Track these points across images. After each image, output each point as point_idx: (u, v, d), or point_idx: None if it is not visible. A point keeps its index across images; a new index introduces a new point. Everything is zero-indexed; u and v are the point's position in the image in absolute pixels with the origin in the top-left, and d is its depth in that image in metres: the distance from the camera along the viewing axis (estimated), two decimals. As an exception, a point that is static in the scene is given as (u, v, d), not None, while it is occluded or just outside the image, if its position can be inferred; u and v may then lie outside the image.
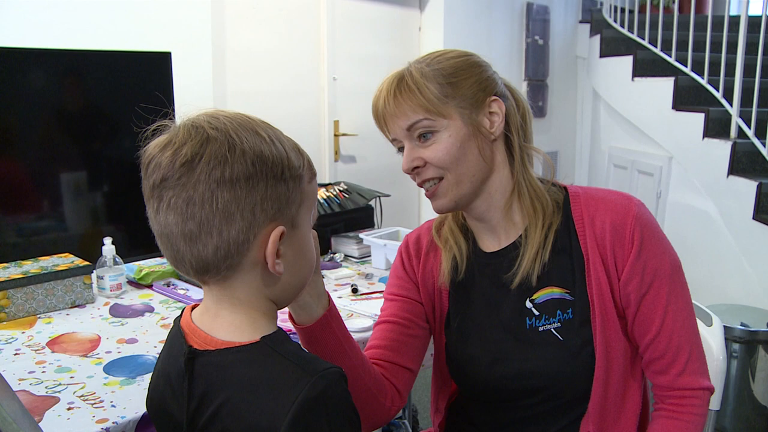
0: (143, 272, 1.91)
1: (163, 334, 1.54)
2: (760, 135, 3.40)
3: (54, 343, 1.48)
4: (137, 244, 2.26)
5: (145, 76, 2.40)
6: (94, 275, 1.82)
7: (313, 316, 1.03)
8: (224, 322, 0.81)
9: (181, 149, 0.74)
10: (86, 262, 1.78)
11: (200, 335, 0.81)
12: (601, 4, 5.25)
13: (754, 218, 3.21)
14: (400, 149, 1.13)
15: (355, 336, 1.53)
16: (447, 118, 1.07)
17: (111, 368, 1.35)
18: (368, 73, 4.00)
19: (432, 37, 4.33)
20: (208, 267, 0.77)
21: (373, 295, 1.83)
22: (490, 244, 1.19)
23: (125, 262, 1.90)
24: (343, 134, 3.86)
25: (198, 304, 0.88)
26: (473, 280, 1.19)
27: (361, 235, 2.20)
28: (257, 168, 0.75)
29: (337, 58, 3.75)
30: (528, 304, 1.13)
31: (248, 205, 0.75)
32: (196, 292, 1.80)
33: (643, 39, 4.37)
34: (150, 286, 1.90)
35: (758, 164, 3.40)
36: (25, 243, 2.10)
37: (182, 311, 0.89)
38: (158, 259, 2.07)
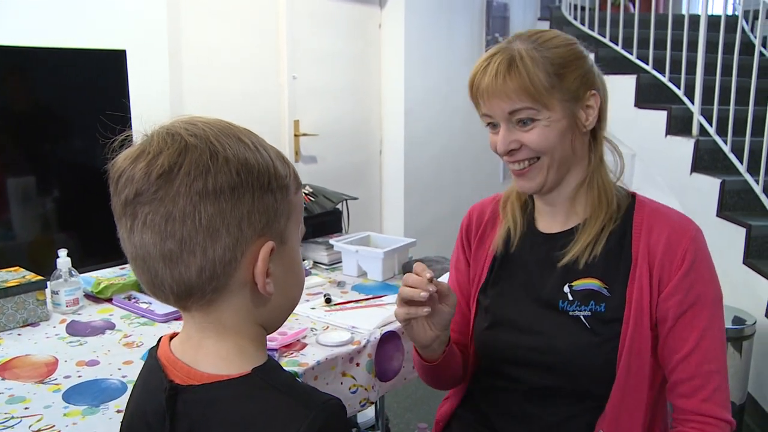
0: (102, 285, 1.78)
1: (127, 354, 1.43)
2: (721, 132, 3.43)
3: (4, 369, 1.36)
4: (92, 252, 2.13)
5: (99, 75, 2.27)
6: (48, 290, 1.69)
7: (438, 353, 1.19)
8: (209, 352, 0.72)
9: (157, 159, 0.66)
10: (39, 276, 1.66)
11: (182, 368, 0.73)
12: (560, 1, 5.25)
13: (717, 215, 3.23)
14: (490, 124, 1.16)
15: (334, 351, 1.46)
16: (549, 110, 1.09)
17: (71, 396, 1.24)
18: (328, 72, 3.91)
19: (392, 34, 4.26)
20: (191, 291, 0.68)
21: (348, 305, 1.75)
22: (548, 225, 1.23)
23: (80, 273, 1.77)
24: (304, 134, 3.75)
25: (176, 334, 0.79)
26: (521, 255, 1.25)
27: (331, 241, 2.11)
28: (242, 178, 0.67)
29: (296, 55, 3.65)
30: (566, 289, 1.17)
31: (234, 219, 0.67)
32: (160, 306, 1.69)
33: (604, 36, 4.38)
34: (110, 300, 1.78)
35: (720, 161, 3.43)
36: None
37: (158, 341, 0.80)
38: (117, 270, 1.95)
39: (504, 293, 1.25)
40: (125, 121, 2.30)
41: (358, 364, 1.52)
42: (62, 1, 2.53)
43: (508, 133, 1.12)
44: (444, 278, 1.86)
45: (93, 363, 1.39)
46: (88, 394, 1.25)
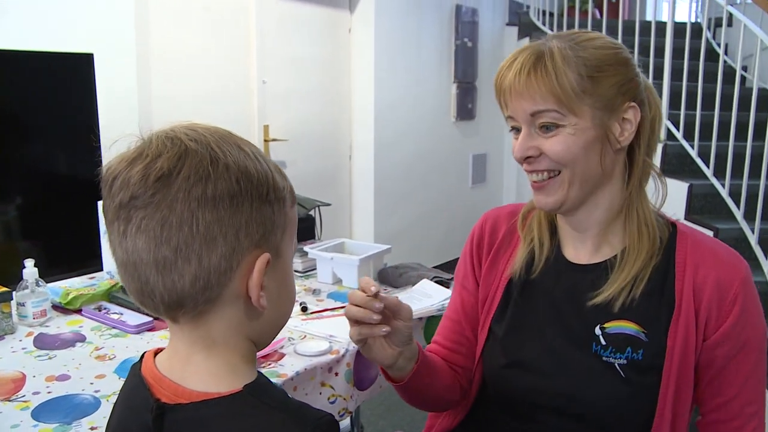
0: (71, 296, 1.73)
1: (100, 368, 1.39)
2: (688, 137, 3.48)
3: (-30, 385, 1.31)
4: (59, 261, 2.08)
5: (66, 79, 2.21)
6: (13, 302, 1.63)
7: (407, 372, 1.07)
8: (198, 369, 0.69)
9: (155, 162, 0.64)
10: (3, 288, 1.60)
11: (169, 386, 0.69)
12: (528, 7, 5.29)
13: (685, 218, 3.28)
14: (513, 128, 1.04)
15: (313, 361, 1.44)
16: (577, 116, 0.97)
17: (41, 413, 1.19)
18: (298, 76, 3.88)
19: (362, 38, 4.25)
20: (183, 301, 0.66)
21: (325, 314, 1.72)
22: (576, 254, 1.10)
23: (47, 283, 1.72)
24: (274, 139, 3.72)
25: (161, 349, 0.76)
26: (545, 283, 1.11)
27: (305, 248, 2.09)
28: (242, 186, 0.65)
29: (266, 60, 3.61)
30: (597, 331, 1.04)
31: (232, 228, 0.65)
32: (131, 317, 1.64)
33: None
34: (79, 311, 1.73)
35: (687, 165, 3.48)
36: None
37: (141, 357, 0.76)
38: (87, 280, 1.90)
39: (524, 326, 1.11)
40: (93, 126, 2.27)
41: (336, 374, 1.49)
42: (28, 4, 2.46)
43: (528, 138, 1.00)
44: (428, 287, 1.85)
45: (63, 378, 1.34)
46: (60, 411, 1.20)
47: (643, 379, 1.01)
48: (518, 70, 0.98)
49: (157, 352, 0.75)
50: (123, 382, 0.80)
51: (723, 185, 3.22)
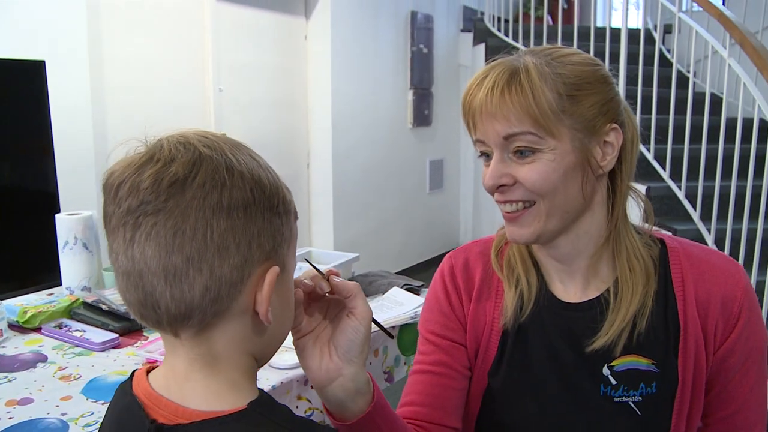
0: (29, 314, 1.65)
1: (65, 389, 1.32)
2: (644, 141, 3.54)
3: (-74, 411, 1.23)
4: (13, 277, 1.99)
5: (16, 88, 2.13)
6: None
7: (354, 413, 0.83)
8: (198, 386, 0.66)
9: (169, 167, 0.61)
10: (-42, 307, 1.52)
11: (167, 406, 0.65)
12: (482, 13, 5.34)
13: (643, 220, 3.32)
14: (483, 153, 0.93)
15: (288, 374, 1.40)
16: (555, 138, 0.87)
17: (6, 438, 1.13)
18: (255, 84, 3.83)
19: (318, 45, 4.22)
20: (191, 312, 0.62)
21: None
22: (565, 291, 1.00)
23: (1, 301, 1.63)
24: (232, 148, 3.65)
25: (153, 366, 0.72)
26: (538, 327, 1.00)
27: (273, 259, 2.04)
28: (255, 196, 0.63)
29: (222, 68, 3.55)
30: (605, 371, 0.95)
31: (245, 238, 0.63)
32: (95, 334, 1.57)
33: (528, 47, 4.46)
34: (38, 330, 1.65)
35: (643, 168, 3.54)
36: None
37: (131, 376, 0.72)
38: (45, 296, 1.82)
39: (522, 380, 1.00)
40: (46, 137, 2.19)
41: (312, 386, 1.45)
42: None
43: (501, 164, 0.90)
44: (399, 295, 1.81)
45: (26, 401, 1.27)
46: (25, 436, 1.14)
47: (659, 413, 0.96)
48: (490, 89, 0.87)
49: (149, 369, 0.71)
50: (109, 403, 0.75)
51: (679, 187, 3.28)
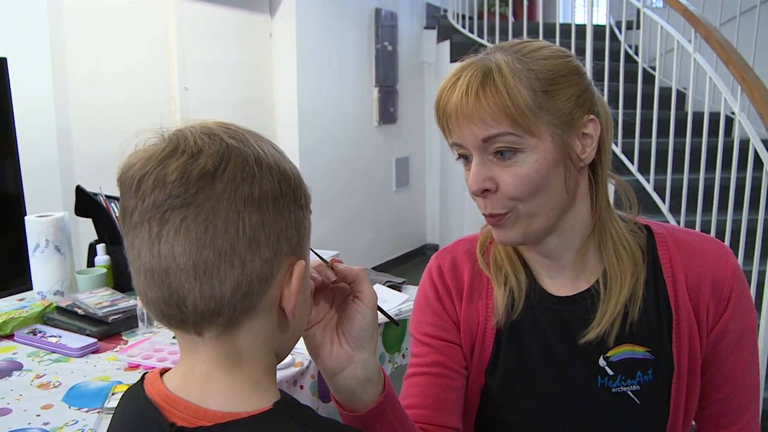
0: (0, 320, 1.58)
1: (45, 397, 1.26)
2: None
3: None
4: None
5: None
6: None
7: (364, 403, 0.81)
8: (219, 386, 0.63)
9: (197, 159, 0.58)
10: (-75, 315, 1.45)
11: (186, 408, 0.62)
12: (445, 11, 5.34)
13: (628, 209, 3.36)
14: (461, 156, 0.90)
15: (277, 375, 1.36)
16: (536, 136, 0.84)
17: (-13, 451, 1.07)
18: (220, 82, 3.77)
19: (283, 43, 4.17)
20: (220, 309, 0.60)
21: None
22: (554, 285, 0.98)
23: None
24: (198, 147, 3.58)
25: (166, 369, 0.68)
26: (531, 323, 0.98)
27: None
28: (282, 188, 0.62)
29: (187, 66, 3.48)
30: (601, 362, 0.94)
31: (274, 231, 0.61)
32: (71, 339, 1.51)
33: (493, 44, 4.47)
34: (10, 337, 1.58)
35: (612, 162, 3.57)
36: None
37: (142, 378, 0.68)
38: (15, 302, 1.74)
39: (519, 377, 0.99)
40: (9, 135, 2.11)
41: (302, 387, 1.43)
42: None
43: (483, 167, 0.87)
44: (382, 292, 1.79)
45: (4, 412, 1.21)
46: (7, 447, 1.08)
47: (657, 400, 0.95)
48: (464, 91, 0.85)
49: (162, 372, 0.68)
50: (115, 410, 0.71)
51: (648, 180, 3.32)
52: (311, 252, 0.86)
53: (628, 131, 3.47)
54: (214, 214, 0.58)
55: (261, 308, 0.63)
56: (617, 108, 3.48)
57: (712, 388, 0.98)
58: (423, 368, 1.00)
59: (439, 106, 0.88)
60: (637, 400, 0.94)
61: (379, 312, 0.84)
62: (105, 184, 2.59)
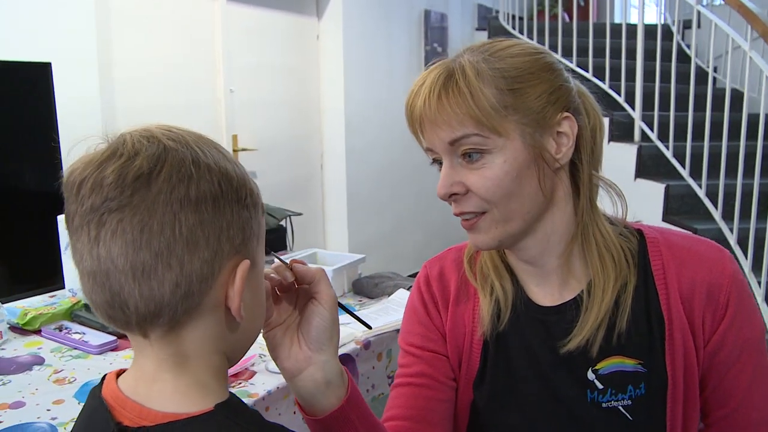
0: (29, 316, 1.63)
1: (58, 392, 1.29)
2: (662, 138, 3.46)
3: None
4: (15, 279, 1.98)
5: (23, 90, 2.12)
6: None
7: (324, 407, 0.79)
8: (165, 387, 0.63)
9: (133, 161, 0.59)
10: (-44, 310, 1.50)
11: (132, 408, 0.63)
12: (497, 12, 5.28)
13: (663, 220, 3.26)
14: (435, 161, 0.88)
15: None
16: (503, 136, 0.82)
17: (-6, 443, 1.10)
18: (267, 85, 3.81)
19: (331, 45, 4.18)
20: (160, 310, 0.60)
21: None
22: (541, 294, 0.94)
23: (3, 304, 1.62)
24: (243, 149, 3.63)
25: (123, 370, 0.69)
26: (517, 334, 0.94)
27: (276, 260, 2.00)
28: (223, 188, 0.62)
29: (233, 68, 3.53)
30: (590, 375, 0.90)
31: (214, 232, 0.61)
32: (94, 336, 1.55)
33: (543, 45, 4.39)
34: (38, 332, 1.63)
35: (663, 166, 3.46)
36: None
37: (102, 379, 0.69)
38: (46, 299, 1.80)
39: (505, 391, 0.95)
40: (53, 138, 2.17)
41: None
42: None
43: (452, 170, 0.85)
44: (405, 297, 1.77)
45: (18, 405, 1.25)
46: (12, 441, 1.11)
47: (651, 416, 0.90)
48: (427, 95, 0.83)
49: (119, 373, 0.68)
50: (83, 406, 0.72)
51: (700, 185, 3.20)
52: (273, 254, 0.86)
53: (680, 134, 3.35)
54: (149, 215, 0.58)
55: (204, 309, 0.62)
56: (668, 110, 3.37)
57: (714, 404, 0.92)
58: (408, 378, 0.98)
59: (408, 111, 0.87)
60: (629, 415, 0.89)
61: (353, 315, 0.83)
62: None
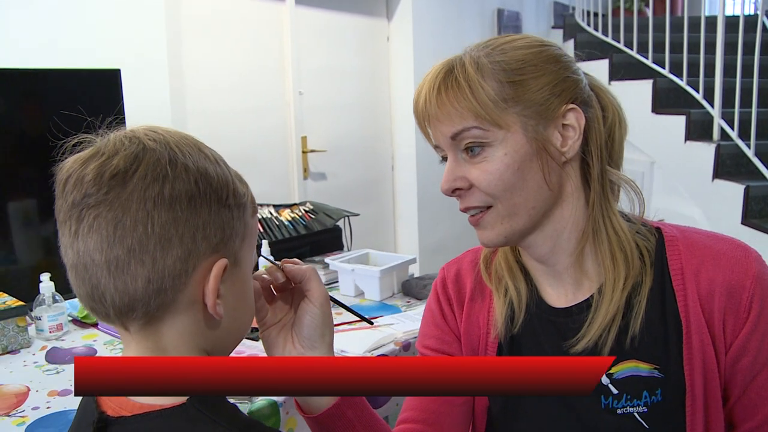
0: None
1: (102, 383, 1.36)
2: (744, 136, 3.29)
3: (-25, 400, 1.30)
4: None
5: (94, 96, 2.23)
6: (34, 315, 1.64)
7: (320, 405, 0.81)
8: None
9: (111, 160, 0.63)
10: (19, 302, 1.60)
11: (116, 398, 0.67)
12: (573, 8, 5.16)
13: (742, 223, 3.09)
14: (444, 159, 0.88)
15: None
16: (504, 129, 0.81)
17: (35, 429, 1.17)
18: (336, 86, 3.85)
19: (401, 46, 4.19)
20: (134, 305, 0.63)
21: (339, 327, 1.66)
22: (555, 295, 0.93)
23: (66, 299, 1.71)
24: (312, 150, 3.70)
25: None
26: (531, 336, 0.93)
27: (327, 260, 2.03)
28: (200, 188, 0.64)
29: (302, 71, 3.60)
30: (604, 380, 0.87)
31: (189, 230, 0.63)
32: (144, 331, 1.62)
33: (618, 42, 4.27)
34: (95, 325, 1.72)
35: (743, 166, 3.29)
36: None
37: None
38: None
39: (518, 397, 0.93)
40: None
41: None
42: (58, 21, 2.50)
43: (455, 165, 0.85)
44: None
45: (66, 393, 1.32)
46: (54, 427, 1.17)
47: (669, 424, 0.86)
48: (428, 92, 0.85)
49: None
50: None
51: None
52: (262, 256, 0.88)
53: (763, 131, 3.18)
54: (123, 212, 0.61)
55: (180, 305, 0.65)
56: (750, 106, 3.20)
57: (742, 415, 0.86)
58: None
59: (415, 110, 0.88)
60: (644, 423, 0.86)
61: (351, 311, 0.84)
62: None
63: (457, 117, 0.82)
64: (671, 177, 3.71)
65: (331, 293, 1.96)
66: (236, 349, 1.39)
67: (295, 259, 0.84)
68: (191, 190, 0.63)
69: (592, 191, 0.87)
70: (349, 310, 0.88)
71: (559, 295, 0.92)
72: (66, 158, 0.66)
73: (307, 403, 0.82)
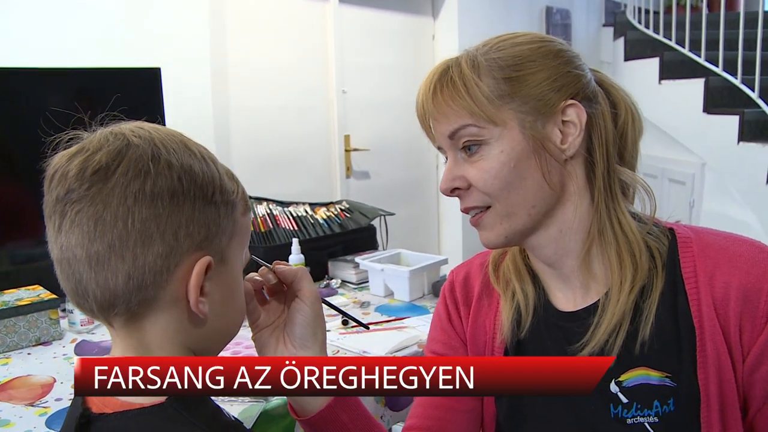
0: (117, 305, 1.75)
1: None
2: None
3: (3, 389, 1.33)
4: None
5: (135, 95, 2.26)
6: (67, 308, 1.68)
7: (312, 407, 0.80)
8: None
9: (94, 156, 0.63)
10: (52, 295, 1.64)
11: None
12: (625, 6, 5.04)
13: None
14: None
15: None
16: (500, 126, 0.80)
17: (55, 420, 1.19)
18: (380, 85, 3.85)
19: (446, 45, 4.16)
20: (115, 300, 0.63)
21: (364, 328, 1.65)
22: (563, 299, 0.90)
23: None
24: (355, 149, 3.70)
25: None
26: (537, 341, 0.90)
27: (357, 259, 2.02)
28: (184, 185, 0.64)
29: (346, 69, 3.60)
30: (613, 387, 0.83)
31: (170, 227, 0.63)
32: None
33: (670, 39, 4.15)
34: (124, 320, 1.75)
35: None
36: (17, 271, 1.95)
37: None
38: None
39: (525, 403, 0.91)
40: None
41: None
42: (103, 21, 2.56)
43: (454, 164, 0.84)
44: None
45: (88, 385, 1.34)
46: (73, 419, 1.20)
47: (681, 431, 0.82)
48: (425, 92, 0.84)
49: None
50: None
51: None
52: (253, 257, 0.88)
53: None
54: (104, 207, 0.61)
55: (163, 302, 0.65)
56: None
57: (764, 427, 0.81)
58: None
59: (417, 112, 0.88)
60: None
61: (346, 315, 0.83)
62: (264, 186, 2.77)
63: (453, 115, 0.81)
64: (723, 179, 3.58)
65: (362, 293, 1.96)
66: (235, 349, 1.39)
67: (285, 261, 0.84)
68: (174, 187, 0.63)
69: (596, 190, 0.84)
70: (342, 314, 0.87)
71: (567, 299, 0.90)
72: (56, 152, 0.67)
73: (299, 405, 0.81)
